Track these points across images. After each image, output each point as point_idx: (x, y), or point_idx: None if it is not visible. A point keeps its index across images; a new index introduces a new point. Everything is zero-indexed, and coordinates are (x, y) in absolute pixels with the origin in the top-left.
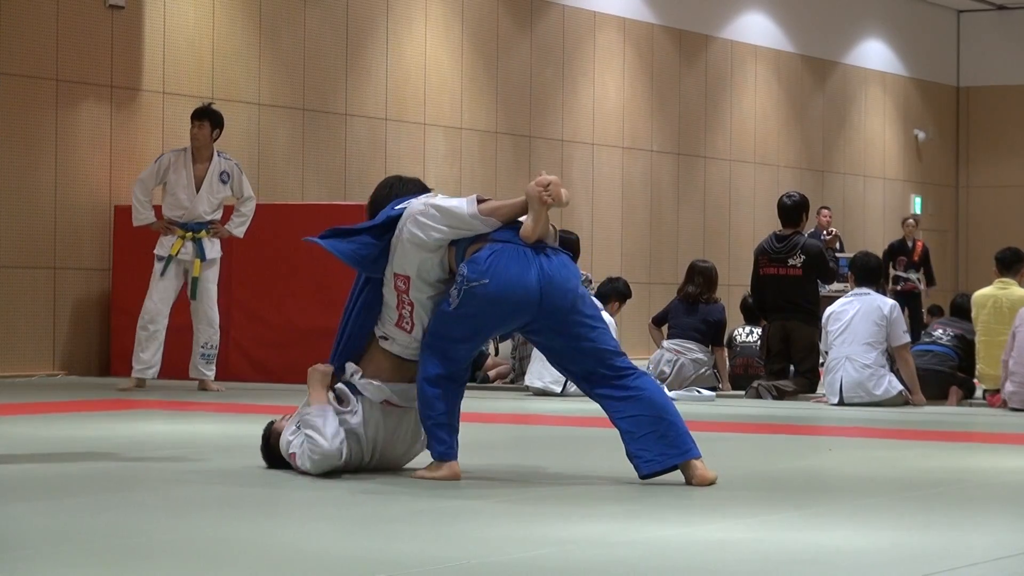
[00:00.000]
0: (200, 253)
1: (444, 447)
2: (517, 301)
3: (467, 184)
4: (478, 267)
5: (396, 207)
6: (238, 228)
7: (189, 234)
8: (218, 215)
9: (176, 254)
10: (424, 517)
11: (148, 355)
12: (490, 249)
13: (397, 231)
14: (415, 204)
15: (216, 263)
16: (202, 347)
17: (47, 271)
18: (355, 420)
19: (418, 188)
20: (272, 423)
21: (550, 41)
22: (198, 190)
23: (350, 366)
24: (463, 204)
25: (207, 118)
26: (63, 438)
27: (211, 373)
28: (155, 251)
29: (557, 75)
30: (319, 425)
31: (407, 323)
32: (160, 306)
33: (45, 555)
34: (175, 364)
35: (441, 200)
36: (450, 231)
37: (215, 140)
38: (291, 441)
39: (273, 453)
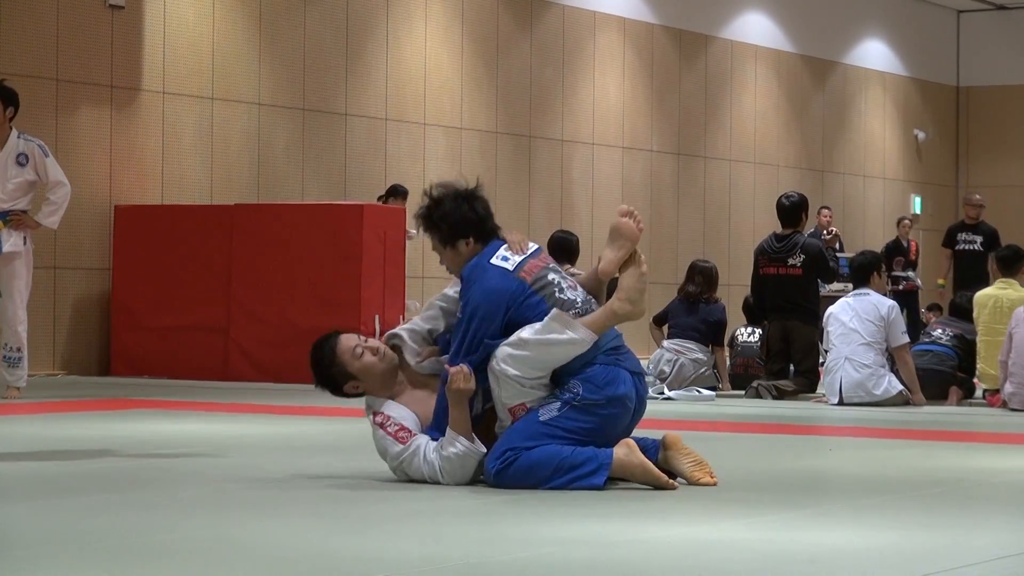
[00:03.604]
0: None
1: (595, 465)
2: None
3: None
4: (593, 385)
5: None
6: (49, 218)
7: None
8: (21, 204)
9: None
10: (424, 517)
11: None
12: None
13: (493, 369)
14: (504, 348)
15: (20, 257)
16: (4, 349)
17: (47, 271)
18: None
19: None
20: (340, 335)
21: (550, 41)
22: None
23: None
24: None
25: None
26: (63, 438)
27: (14, 378)
28: None
29: (557, 75)
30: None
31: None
32: None
33: (45, 555)
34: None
35: (532, 334)
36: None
37: (11, 119)
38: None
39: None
